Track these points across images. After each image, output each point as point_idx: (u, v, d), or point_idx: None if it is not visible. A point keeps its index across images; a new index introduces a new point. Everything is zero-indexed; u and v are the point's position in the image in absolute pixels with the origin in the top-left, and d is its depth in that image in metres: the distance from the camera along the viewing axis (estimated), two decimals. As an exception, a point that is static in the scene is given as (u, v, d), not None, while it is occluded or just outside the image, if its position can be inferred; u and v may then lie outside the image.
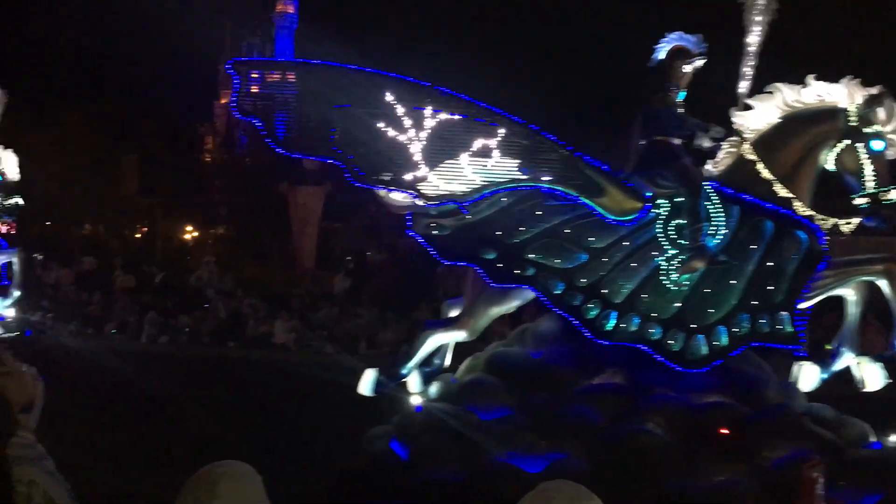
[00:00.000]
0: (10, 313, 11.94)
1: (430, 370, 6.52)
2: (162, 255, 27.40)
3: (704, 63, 6.34)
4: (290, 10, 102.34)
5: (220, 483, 2.19)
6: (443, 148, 6.04)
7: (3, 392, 2.99)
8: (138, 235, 34.74)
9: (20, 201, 11.51)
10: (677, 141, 6.28)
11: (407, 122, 6.00)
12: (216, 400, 9.77)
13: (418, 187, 6.02)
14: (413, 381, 6.40)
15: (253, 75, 6.32)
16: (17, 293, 11.98)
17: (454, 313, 6.60)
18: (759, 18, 6.29)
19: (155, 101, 36.80)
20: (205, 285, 18.30)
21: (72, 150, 28.42)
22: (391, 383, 6.36)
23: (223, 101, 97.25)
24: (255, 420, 9.05)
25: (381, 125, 6.00)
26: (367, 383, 6.37)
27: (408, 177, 6.02)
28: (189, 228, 37.47)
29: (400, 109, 6.00)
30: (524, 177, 6.08)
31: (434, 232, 6.13)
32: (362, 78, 6.14)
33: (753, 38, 6.33)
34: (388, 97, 6.00)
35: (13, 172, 11.50)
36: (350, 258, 18.88)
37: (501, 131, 6.07)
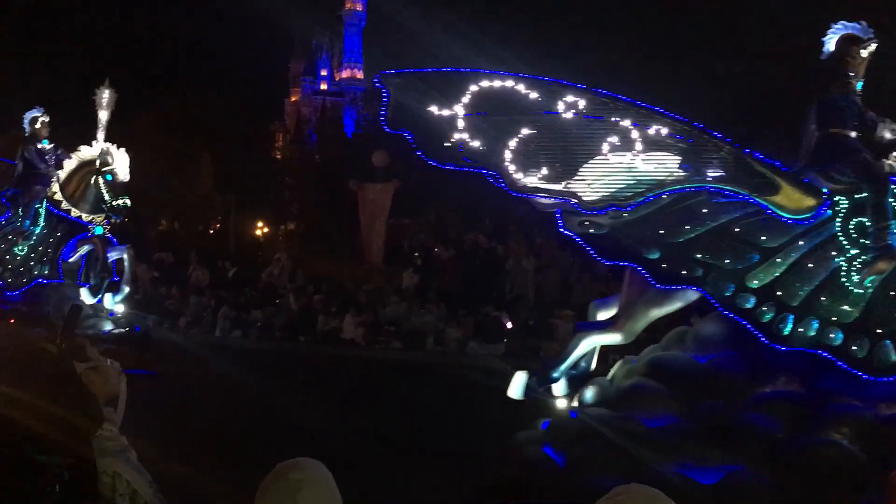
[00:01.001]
0: (120, 309, 12.25)
1: (575, 373, 6.29)
2: (235, 250, 28.00)
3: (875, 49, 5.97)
4: (359, 7, 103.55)
5: (303, 489, 2.18)
6: (604, 152, 5.81)
7: (89, 386, 3.06)
8: (212, 231, 35.59)
9: (128, 202, 11.75)
10: (853, 133, 5.90)
11: (572, 128, 5.84)
12: (351, 404, 9.78)
13: (579, 194, 5.80)
14: (559, 385, 6.19)
15: (402, 87, 6.14)
16: (127, 289, 12.29)
17: (602, 315, 6.37)
18: None
19: (228, 100, 37.58)
20: (276, 281, 18.62)
21: (149, 148, 29.25)
22: (541, 387, 6.18)
23: (293, 99, 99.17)
24: (388, 421, 9.00)
25: (541, 132, 5.84)
26: (516, 387, 6.16)
27: (567, 184, 5.82)
28: (260, 224, 38.26)
29: (567, 116, 5.83)
30: (690, 177, 5.79)
31: (590, 231, 5.88)
32: (528, 85, 5.94)
33: None
34: (559, 105, 5.80)
35: (124, 173, 11.75)
36: (418, 254, 18.91)
37: (664, 131, 5.81)
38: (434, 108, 5.92)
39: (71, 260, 11.86)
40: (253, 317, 16.98)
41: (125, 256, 12.19)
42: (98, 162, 11.63)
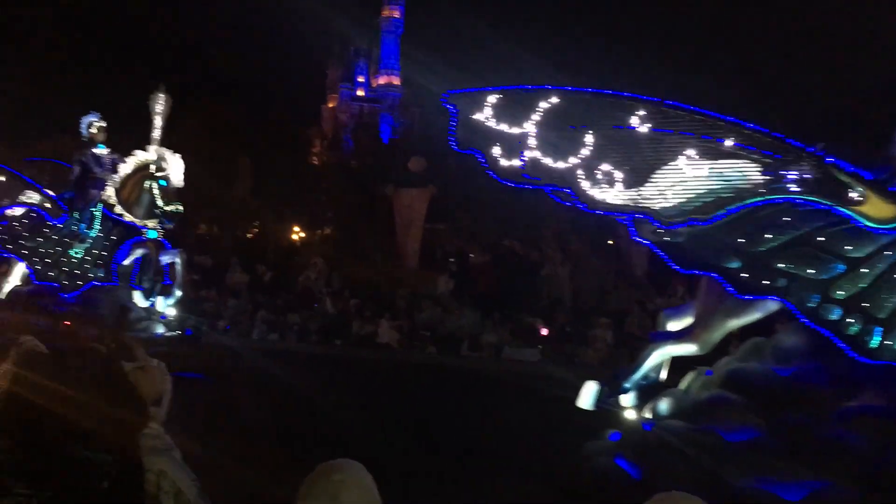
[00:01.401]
0: (172, 312, 12.29)
1: (645, 384, 6.16)
2: (272, 254, 28.24)
3: None
4: (396, 14, 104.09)
5: (344, 490, 2.21)
6: (680, 165, 5.68)
7: (136, 385, 3.13)
8: (250, 235, 35.93)
9: (180, 208, 11.77)
10: None
11: (646, 142, 5.72)
12: (399, 410, 9.79)
13: (655, 209, 5.69)
14: (628, 396, 6.08)
15: (469, 105, 6.03)
16: (178, 292, 12.35)
17: (674, 325, 6.26)
18: None
19: (267, 105, 38.02)
20: (313, 285, 18.76)
21: (190, 152, 29.62)
22: (612, 397, 6.07)
23: (331, 105, 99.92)
24: (443, 427, 9.00)
25: (615, 147, 5.74)
26: (587, 397, 6.05)
27: (643, 198, 5.70)
28: (297, 229, 38.57)
29: (641, 130, 5.71)
30: (771, 189, 5.61)
31: (666, 239, 5.74)
32: (599, 100, 5.86)
33: None
34: (633, 119, 5.68)
35: (178, 178, 11.81)
36: (453, 259, 18.95)
37: (742, 142, 5.64)
38: (504, 127, 5.83)
39: (125, 263, 11.94)
40: (290, 320, 17.12)
41: (177, 260, 12.24)
42: (153, 167, 11.69)
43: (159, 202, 11.64)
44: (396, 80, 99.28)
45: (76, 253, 11.97)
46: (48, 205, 12.24)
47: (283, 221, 36.11)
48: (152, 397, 3.22)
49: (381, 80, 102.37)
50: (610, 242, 23.35)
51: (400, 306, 17.00)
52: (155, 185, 11.64)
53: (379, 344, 16.06)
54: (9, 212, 12.16)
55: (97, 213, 12.04)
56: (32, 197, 12.28)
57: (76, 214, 12.14)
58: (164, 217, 11.75)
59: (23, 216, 12.16)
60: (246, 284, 19.47)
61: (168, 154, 11.76)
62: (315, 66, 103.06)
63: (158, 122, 12.05)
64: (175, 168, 11.75)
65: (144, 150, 11.90)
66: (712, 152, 5.66)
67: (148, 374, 3.27)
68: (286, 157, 36.18)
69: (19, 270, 12.43)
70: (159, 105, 12.08)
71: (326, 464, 2.32)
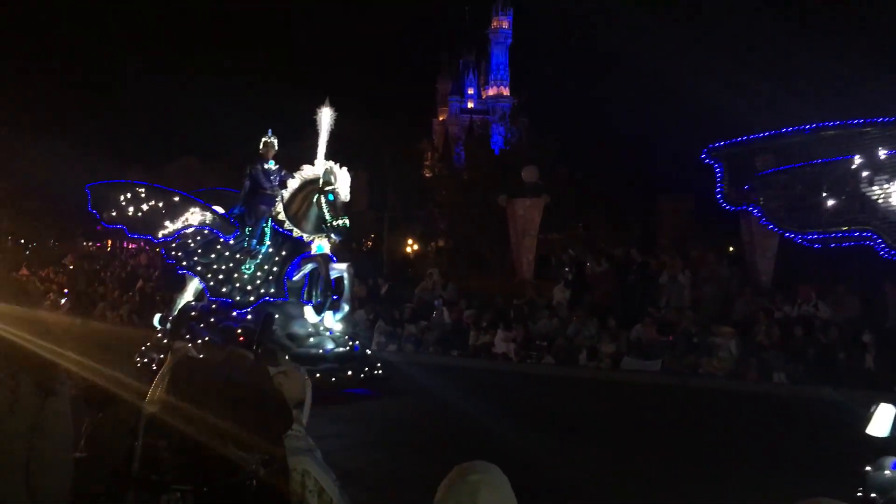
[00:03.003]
0: (339, 327, 12.27)
1: None
2: (388, 266, 28.78)
3: None
4: (505, 25, 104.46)
5: (481, 490, 2.23)
6: None
7: (280, 389, 3.28)
8: (365, 248, 36.76)
9: (347, 222, 11.69)
10: None
11: None
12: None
13: None
14: None
15: (734, 157, 5.62)
16: (346, 307, 12.26)
17: None
18: None
19: (381, 120, 38.80)
20: (429, 296, 18.98)
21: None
22: None
23: (441, 118, 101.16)
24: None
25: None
26: (883, 422, 5.05)
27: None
28: (410, 241, 39.19)
29: None
30: None
31: None
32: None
33: None
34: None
35: (345, 193, 11.77)
36: (568, 268, 18.76)
37: None
38: (779, 178, 5.27)
39: (295, 278, 12.01)
40: (407, 331, 17.38)
41: (345, 275, 12.12)
42: (321, 181, 11.63)
43: (327, 217, 11.61)
44: (506, 91, 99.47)
45: (247, 269, 12.17)
46: (219, 221, 12.46)
47: (398, 234, 36.77)
48: (294, 400, 3.37)
49: (491, 92, 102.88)
50: (731, 249, 22.61)
51: (516, 316, 16.97)
52: (323, 199, 11.62)
53: (495, 354, 16.09)
54: (184, 231, 12.40)
55: (267, 229, 12.21)
56: (204, 216, 12.48)
57: (247, 230, 12.32)
58: (331, 232, 11.71)
59: (195, 233, 12.39)
60: (364, 296, 19.89)
61: (336, 168, 11.72)
62: (425, 80, 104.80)
63: (325, 136, 12.07)
64: (342, 182, 11.73)
65: (312, 164, 11.95)
66: None
67: (290, 378, 3.42)
68: (400, 170, 36.85)
69: (193, 286, 12.78)
70: (325, 119, 12.10)
71: (463, 465, 2.34)
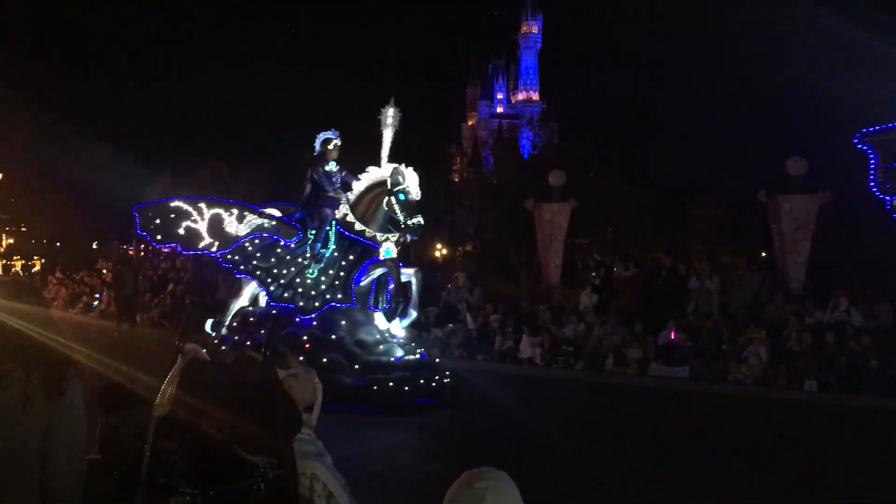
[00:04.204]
0: (404, 334, 11.98)
1: None
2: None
3: None
4: (535, 30, 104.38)
5: (488, 498, 2.20)
6: None
7: (290, 391, 3.27)
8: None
9: (421, 221, 11.40)
10: None
11: None
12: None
13: None
14: None
15: (889, 146, 5.17)
16: (414, 313, 11.95)
17: None
18: None
19: (410, 125, 38.96)
20: (455, 300, 18.94)
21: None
22: None
23: (470, 123, 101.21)
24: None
25: None
26: None
27: None
28: (438, 246, 39.22)
29: None
30: None
31: None
32: None
33: None
34: None
35: (416, 191, 11.41)
36: (596, 273, 18.61)
37: None
38: None
39: (362, 284, 11.57)
40: (433, 335, 17.36)
41: (413, 279, 11.80)
42: (389, 182, 11.33)
43: (400, 217, 11.29)
44: (535, 96, 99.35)
45: (311, 274, 11.76)
46: (279, 226, 11.96)
47: (425, 238, 36.83)
48: (304, 404, 3.34)
49: (520, 96, 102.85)
50: (763, 255, 22.31)
51: (542, 321, 16.87)
52: (394, 199, 11.30)
53: (521, 359, 16.02)
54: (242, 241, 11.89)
55: (332, 233, 11.79)
56: (263, 221, 11.93)
57: (311, 234, 11.87)
58: (405, 232, 11.42)
59: (254, 238, 11.89)
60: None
61: (403, 168, 11.43)
62: (454, 85, 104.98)
63: (389, 136, 11.86)
64: (412, 181, 11.43)
65: (378, 166, 11.70)
66: None
67: (300, 381, 3.40)
68: (428, 175, 36.90)
69: (249, 291, 12.44)
70: (390, 119, 11.88)
71: (471, 472, 2.32)
